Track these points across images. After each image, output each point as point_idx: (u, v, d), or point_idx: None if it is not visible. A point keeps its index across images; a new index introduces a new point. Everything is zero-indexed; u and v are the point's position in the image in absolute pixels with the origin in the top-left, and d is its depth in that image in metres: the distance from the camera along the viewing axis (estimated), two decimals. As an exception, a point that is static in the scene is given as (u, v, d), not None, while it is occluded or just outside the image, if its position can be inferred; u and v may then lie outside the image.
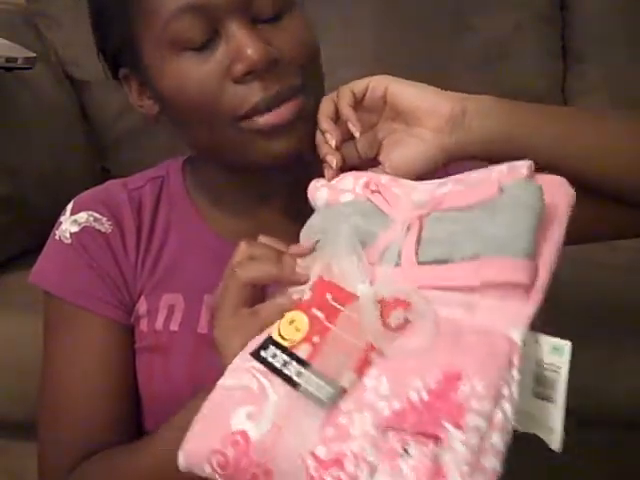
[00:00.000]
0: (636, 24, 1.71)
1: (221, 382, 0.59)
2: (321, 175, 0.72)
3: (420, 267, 0.60)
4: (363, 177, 0.69)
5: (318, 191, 0.70)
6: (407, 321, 0.57)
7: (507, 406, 0.52)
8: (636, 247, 1.41)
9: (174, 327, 0.79)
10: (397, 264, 0.60)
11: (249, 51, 0.69)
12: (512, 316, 0.56)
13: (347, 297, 0.59)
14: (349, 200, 0.68)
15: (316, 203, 0.70)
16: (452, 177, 0.65)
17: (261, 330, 0.61)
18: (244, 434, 0.55)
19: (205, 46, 0.71)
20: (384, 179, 0.68)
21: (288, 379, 0.56)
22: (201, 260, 0.81)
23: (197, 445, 0.57)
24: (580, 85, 1.73)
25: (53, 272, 0.82)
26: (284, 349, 0.57)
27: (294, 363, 0.57)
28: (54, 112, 1.41)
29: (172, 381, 0.77)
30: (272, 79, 0.71)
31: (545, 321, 0.63)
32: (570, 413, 1.18)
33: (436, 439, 0.51)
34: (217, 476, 0.56)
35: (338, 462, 0.53)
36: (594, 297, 1.16)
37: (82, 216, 0.82)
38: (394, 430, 0.52)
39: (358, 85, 0.72)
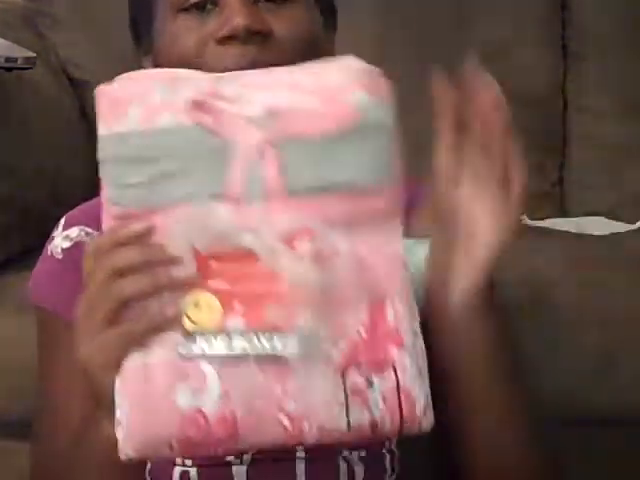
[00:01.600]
0: (636, 24, 1.71)
1: (134, 361, 0.55)
2: None
3: (293, 199, 0.56)
4: (184, 87, 0.58)
5: (126, 111, 0.60)
6: (315, 251, 0.56)
7: (416, 312, 0.58)
8: (636, 246, 1.41)
9: None
10: (265, 199, 0.56)
11: (237, 18, 0.69)
12: (387, 234, 0.58)
13: (236, 255, 0.55)
14: (170, 126, 0.57)
15: (120, 123, 0.60)
16: (284, 74, 0.60)
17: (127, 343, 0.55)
18: (199, 412, 0.54)
19: (202, 11, 0.72)
20: (204, 85, 0.58)
21: (248, 355, 0.54)
22: None
23: (145, 433, 0.54)
24: (580, 85, 1.73)
25: (45, 287, 0.82)
26: (212, 332, 0.54)
27: (237, 337, 0.54)
28: (54, 112, 1.41)
29: None
30: (253, 48, 0.70)
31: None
32: (570, 413, 1.18)
33: (389, 363, 0.56)
34: (178, 453, 0.56)
35: (310, 410, 0.54)
36: (593, 297, 1.16)
37: (74, 231, 0.81)
38: (353, 366, 0.55)
39: None
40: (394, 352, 0.56)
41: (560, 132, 1.72)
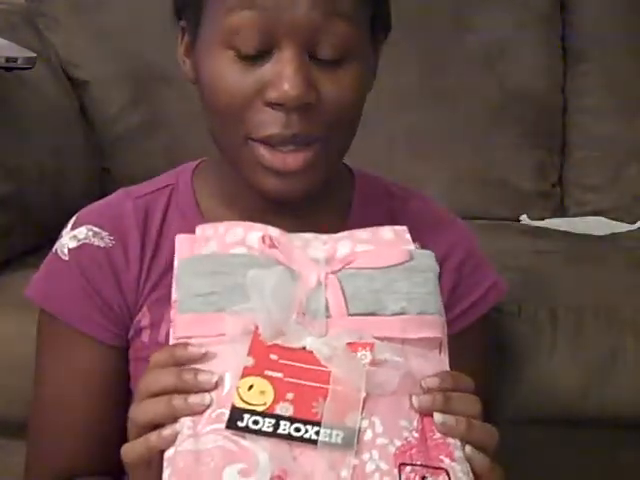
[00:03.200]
0: (636, 24, 1.71)
1: (181, 448, 0.56)
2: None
3: (352, 318, 0.61)
4: (256, 230, 0.66)
5: (205, 245, 0.66)
6: (374, 361, 0.59)
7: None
8: (636, 246, 1.41)
9: None
10: (327, 316, 0.61)
11: (287, 85, 0.67)
12: (437, 362, 0.63)
13: (296, 354, 0.59)
14: (243, 253, 0.65)
15: (199, 252, 0.67)
16: (342, 234, 0.67)
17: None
18: None
19: (254, 56, 0.69)
20: (274, 232, 0.66)
21: (296, 438, 0.55)
22: None
23: None
24: (580, 85, 1.73)
25: (46, 287, 0.81)
26: (261, 414, 0.55)
27: (284, 422, 0.55)
28: (54, 112, 1.41)
29: None
30: (297, 120, 0.69)
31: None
32: (570, 413, 1.18)
33: (442, 469, 0.56)
34: None
35: None
36: (593, 297, 1.16)
37: (81, 231, 0.80)
38: (409, 465, 0.55)
39: None
40: (446, 462, 0.56)
41: (560, 132, 1.72)
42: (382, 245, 0.67)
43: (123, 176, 1.56)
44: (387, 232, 0.68)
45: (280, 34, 0.68)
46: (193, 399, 0.57)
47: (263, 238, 0.65)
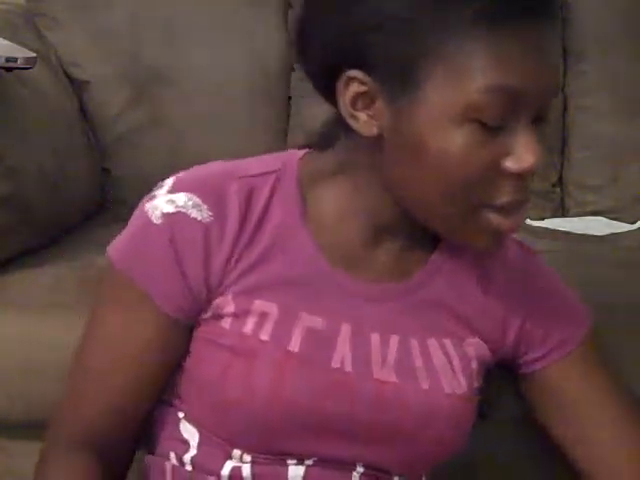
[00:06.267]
0: (636, 24, 1.71)
1: None
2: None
3: None
4: None
5: None
6: None
7: None
8: (636, 246, 1.41)
9: (264, 337, 0.75)
10: None
11: (531, 157, 0.69)
12: None
13: None
14: None
15: None
16: None
17: None
18: None
19: (496, 128, 0.69)
20: None
21: None
22: (304, 278, 0.77)
23: None
24: (580, 85, 1.73)
25: (130, 249, 0.77)
26: None
27: None
28: (54, 112, 1.41)
29: (251, 390, 0.74)
30: (525, 185, 0.72)
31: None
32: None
33: None
34: None
35: None
36: (594, 297, 1.16)
37: (180, 197, 0.75)
38: None
39: None
40: None
41: (560, 132, 1.72)
42: None
43: (123, 176, 1.56)
44: None
45: (522, 108, 0.69)
46: None
47: None
